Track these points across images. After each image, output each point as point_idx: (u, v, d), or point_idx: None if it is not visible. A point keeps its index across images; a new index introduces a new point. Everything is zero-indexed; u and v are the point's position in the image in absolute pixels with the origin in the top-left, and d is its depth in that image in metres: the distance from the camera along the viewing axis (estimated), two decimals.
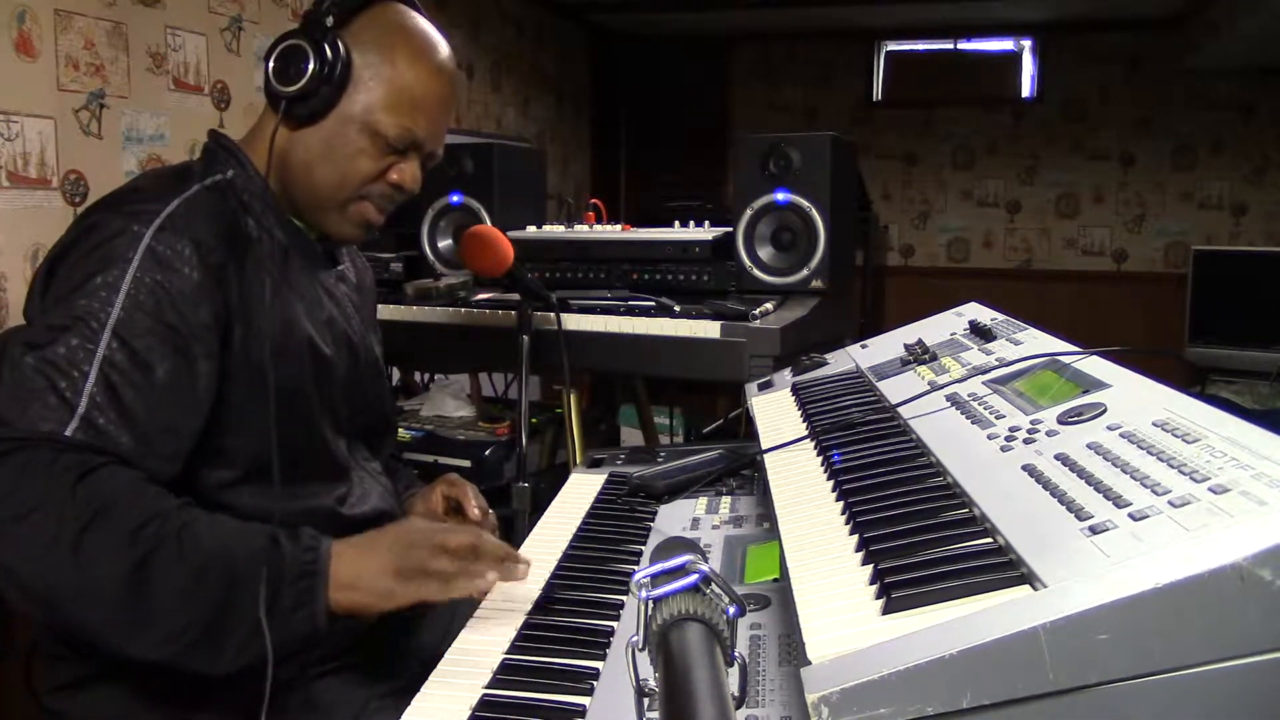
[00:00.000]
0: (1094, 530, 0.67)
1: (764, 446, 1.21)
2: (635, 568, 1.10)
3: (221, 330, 1.10)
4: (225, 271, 1.11)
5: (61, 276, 1.08)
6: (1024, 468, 0.83)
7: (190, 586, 0.96)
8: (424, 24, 1.23)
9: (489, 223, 2.27)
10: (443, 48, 1.23)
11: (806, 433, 1.20)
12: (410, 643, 1.28)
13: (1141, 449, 0.77)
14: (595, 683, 0.93)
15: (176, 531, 0.97)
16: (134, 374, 1.02)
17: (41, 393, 0.98)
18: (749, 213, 2.11)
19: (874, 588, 0.72)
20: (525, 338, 1.75)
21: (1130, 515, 0.67)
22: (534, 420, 2.77)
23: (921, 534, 0.79)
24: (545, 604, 1.10)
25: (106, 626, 0.95)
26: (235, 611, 0.97)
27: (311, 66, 1.15)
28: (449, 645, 1.03)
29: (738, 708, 0.57)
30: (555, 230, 2.36)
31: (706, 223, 2.25)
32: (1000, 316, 1.36)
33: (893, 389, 1.22)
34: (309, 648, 1.04)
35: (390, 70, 1.18)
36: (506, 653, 1.01)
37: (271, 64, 1.17)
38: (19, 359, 1.00)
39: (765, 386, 1.58)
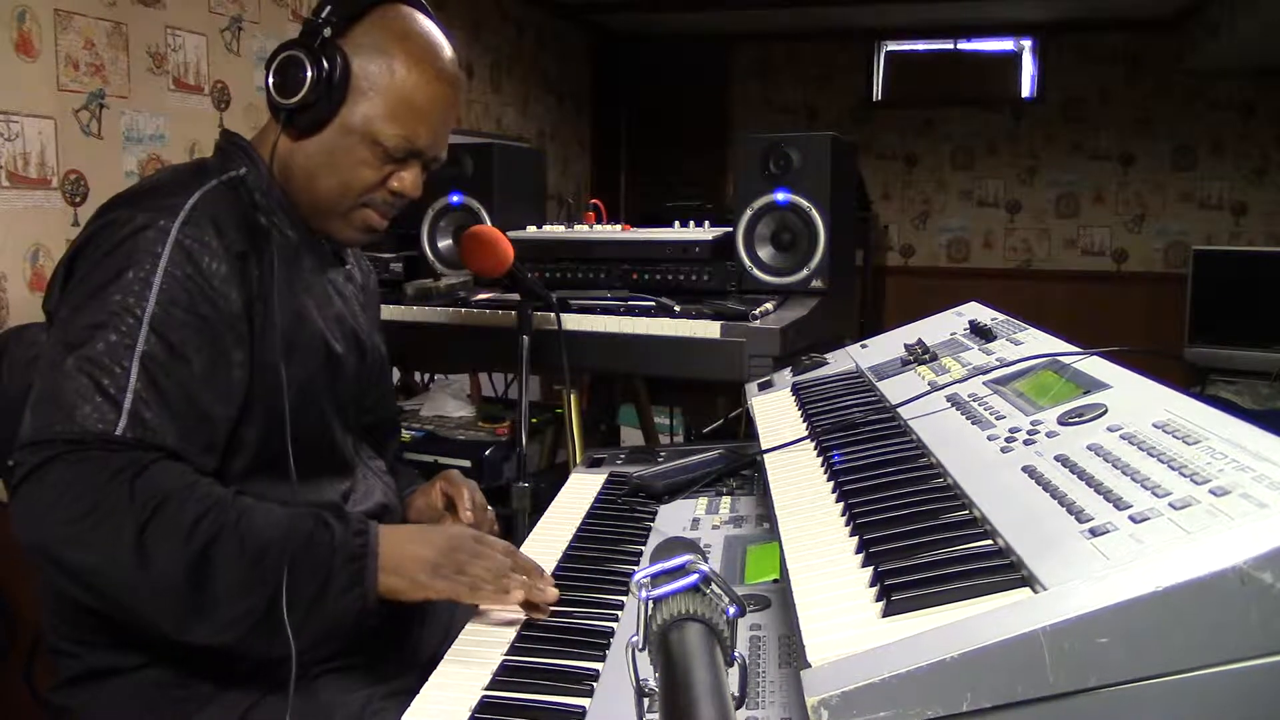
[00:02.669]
0: (1094, 532, 0.67)
1: (764, 446, 1.21)
2: (635, 568, 1.10)
3: (247, 319, 1.12)
4: (247, 261, 1.13)
5: (85, 272, 1.08)
6: (1024, 469, 0.83)
7: (248, 574, 0.99)
8: (426, 27, 1.21)
9: (489, 223, 2.27)
10: (445, 51, 1.21)
11: (806, 433, 1.20)
12: (411, 643, 1.28)
13: (1142, 450, 0.77)
14: (595, 683, 0.93)
15: (234, 522, 1.00)
16: (173, 367, 1.04)
17: (87, 392, 0.99)
18: (749, 213, 2.11)
19: (874, 590, 0.72)
20: (525, 338, 1.75)
21: (1131, 517, 0.67)
22: (534, 420, 2.77)
23: (922, 535, 0.79)
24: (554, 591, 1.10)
25: (170, 617, 0.99)
26: (291, 594, 1.01)
27: (309, 79, 1.13)
28: (449, 646, 1.04)
29: (738, 708, 0.57)
30: (555, 230, 2.36)
31: (706, 223, 2.25)
32: (1000, 316, 1.36)
33: (893, 389, 1.22)
34: (360, 626, 1.07)
35: (390, 79, 1.16)
36: (506, 653, 1.01)
37: (271, 75, 1.16)
38: (60, 360, 1.02)
39: (765, 386, 1.58)
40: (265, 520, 1.03)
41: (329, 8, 1.17)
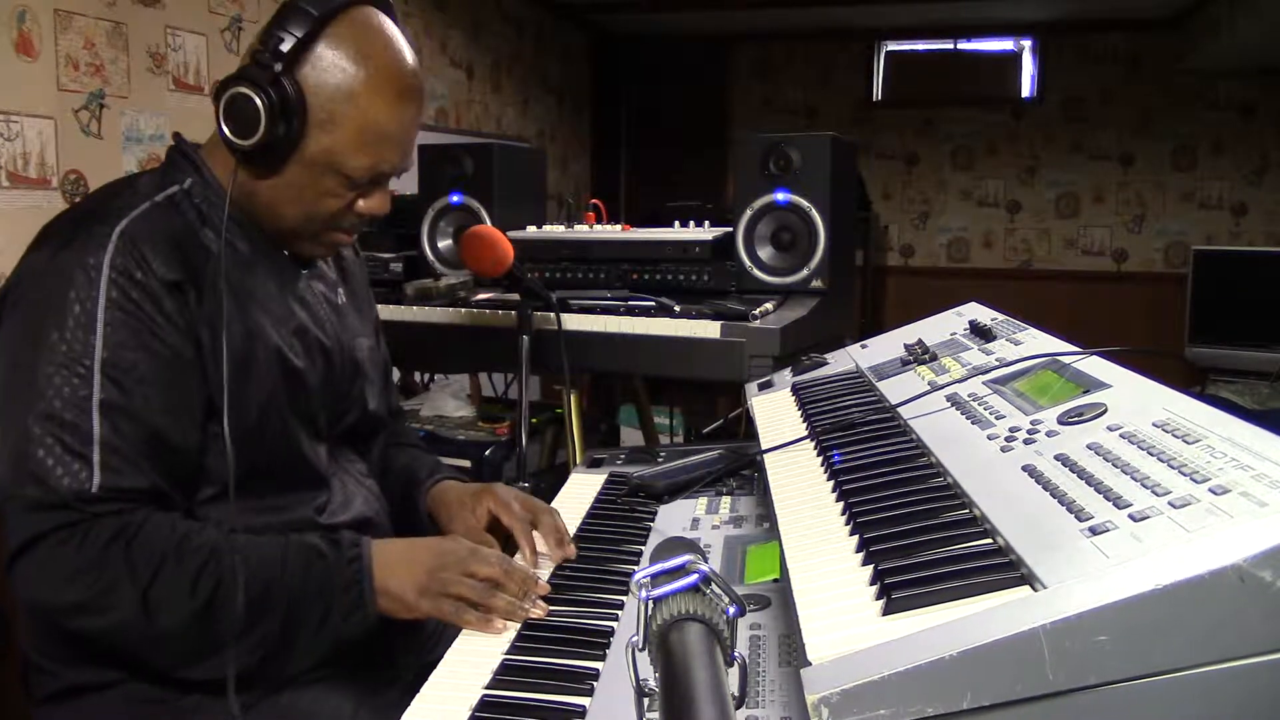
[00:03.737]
0: (1094, 531, 0.67)
1: (764, 446, 1.21)
2: (635, 568, 1.10)
3: (195, 347, 1.09)
4: (184, 290, 1.08)
5: (24, 316, 1.05)
6: (1024, 468, 0.83)
7: (254, 616, 1.03)
8: (385, 39, 1.12)
9: (489, 223, 2.27)
10: (407, 65, 1.13)
11: (806, 433, 1.20)
12: (401, 653, 1.26)
13: (1142, 449, 0.77)
14: (595, 683, 0.93)
15: (232, 569, 1.02)
16: (133, 408, 1.04)
17: (54, 452, 1.00)
18: (749, 213, 2.11)
19: (874, 588, 0.72)
20: (525, 338, 1.75)
21: (1130, 516, 0.67)
22: (534, 420, 2.77)
23: (922, 534, 0.79)
24: (545, 604, 1.10)
25: (181, 661, 1.06)
26: (296, 627, 1.05)
27: (264, 121, 1.06)
28: (444, 650, 1.04)
29: (738, 708, 0.57)
30: (555, 230, 2.36)
31: (706, 223, 2.25)
32: (1000, 316, 1.36)
33: (893, 389, 1.22)
34: (364, 639, 1.11)
35: (352, 108, 1.09)
36: (506, 653, 1.01)
37: (223, 114, 1.08)
38: (19, 420, 1.01)
39: (765, 386, 1.58)
40: (262, 561, 1.05)
41: (278, 35, 1.07)
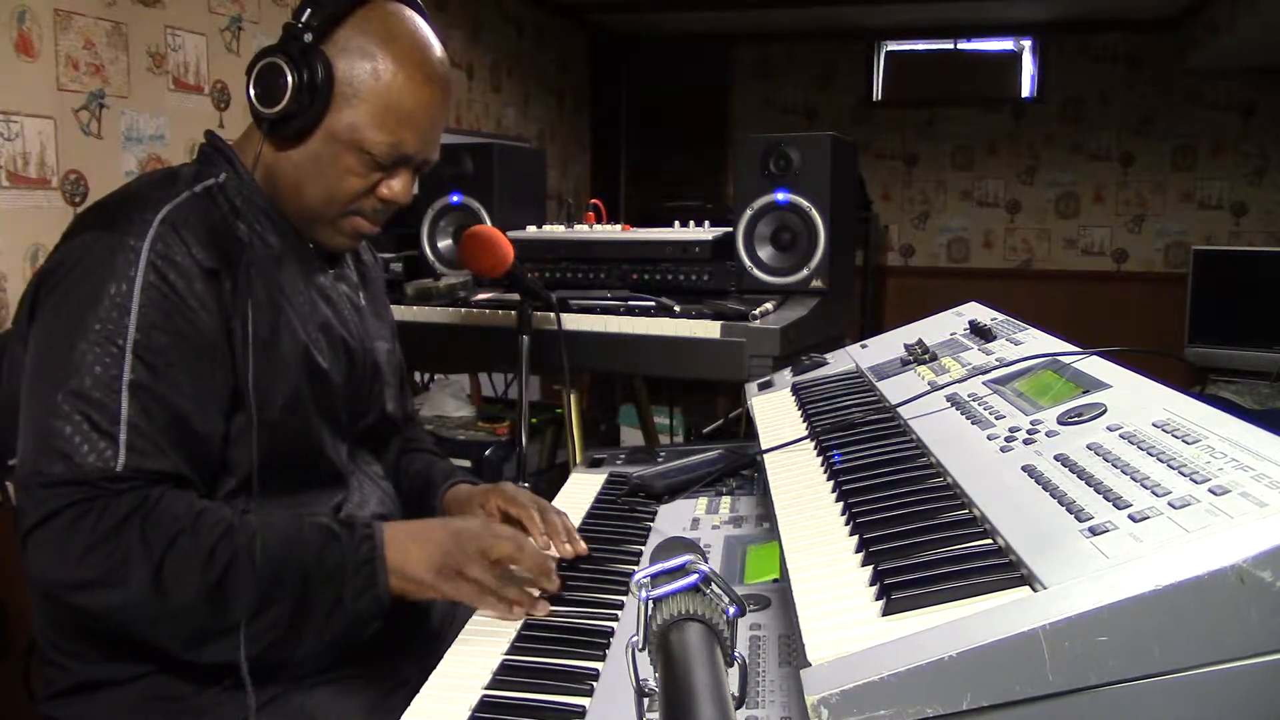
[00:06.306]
0: (1094, 531, 0.67)
1: (764, 446, 1.21)
2: (635, 568, 1.10)
3: (226, 338, 1.10)
4: (219, 279, 1.10)
5: (60, 299, 1.06)
6: (1024, 468, 0.83)
7: (266, 596, 1.02)
8: (412, 26, 1.17)
9: (489, 223, 2.27)
10: (433, 51, 1.17)
11: (806, 433, 1.19)
12: (407, 657, 1.26)
13: (1141, 450, 0.77)
14: (595, 683, 0.93)
15: (246, 547, 1.02)
16: (162, 391, 1.04)
17: (81, 430, 1.00)
18: (749, 213, 2.11)
19: (874, 589, 0.72)
20: (525, 338, 1.75)
21: (1130, 516, 0.67)
22: (534, 420, 2.77)
23: (921, 535, 0.79)
24: (548, 604, 1.10)
25: (190, 643, 1.03)
26: (309, 607, 1.04)
27: (290, 88, 1.10)
28: (447, 650, 1.03)
29: (738, 708, 0.57)
30: (555, 230, 2.36)
31: (706, 223, 2.25)
32: (1000, 316, 1.36)
33: (893, 389, 1.22)
34: (376, 622, 1.11)
35: (375, 84, 1.13)
36: (506, 653, 1.01)
37: (252, 84, 1.13)
38: (49, 396, 1.01)
39: (765, 386, 1.58)
40: (276, 540, 1.04)
41: (310, 10, 1.12)
